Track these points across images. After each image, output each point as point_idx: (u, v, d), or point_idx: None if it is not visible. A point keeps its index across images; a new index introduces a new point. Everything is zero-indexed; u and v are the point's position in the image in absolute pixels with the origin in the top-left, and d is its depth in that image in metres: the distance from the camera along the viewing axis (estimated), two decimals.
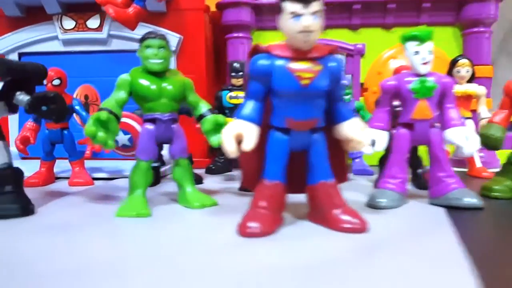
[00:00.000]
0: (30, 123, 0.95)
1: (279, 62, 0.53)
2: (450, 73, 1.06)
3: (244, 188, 0.85)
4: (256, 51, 0.56)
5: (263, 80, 0.54)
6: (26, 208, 0.64)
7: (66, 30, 1.25)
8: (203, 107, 0.73)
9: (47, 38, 1.27)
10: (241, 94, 1.03)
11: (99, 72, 1.26)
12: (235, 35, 1.30)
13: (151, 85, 0.68)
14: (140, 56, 0.69)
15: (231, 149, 0.52)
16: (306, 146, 0.57)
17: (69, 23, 1.25)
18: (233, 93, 1.07)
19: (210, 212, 0.66)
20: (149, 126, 0.69)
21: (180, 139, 0.71)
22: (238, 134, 0.53)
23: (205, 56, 1.25)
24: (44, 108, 0.65)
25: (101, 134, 0.62)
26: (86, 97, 1.26)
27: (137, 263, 0.43)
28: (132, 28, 1.03)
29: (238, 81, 1.08)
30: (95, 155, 1.06)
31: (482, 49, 1.24)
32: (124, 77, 0.69)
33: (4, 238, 0.53)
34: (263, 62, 0.54)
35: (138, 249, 0.48)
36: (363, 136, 0.57)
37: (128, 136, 0.91)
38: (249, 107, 0.55)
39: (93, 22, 1.24)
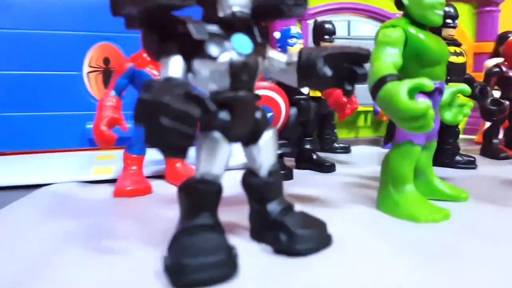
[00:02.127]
0: (111, 98, 0.61)
1: None
2: (497, 49, 1.12)
3: None
4: None
5: None
6: (326, 234, 0.40)
7: None
8: None
9: None
10: (459, 50, 0.79)
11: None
12: None
13: (435, 44, 0.50)
14: (415, 3, 0.50)
15: None
16: None
17: None
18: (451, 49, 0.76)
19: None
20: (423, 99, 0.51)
21: (438, 116, 0.56)
22: None
23: None
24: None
25: (432, 111, 0.43)
26: (106, 61, 0.89)
27: None
28: None
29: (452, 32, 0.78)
30: None
31: (494, 26, 1.35)
32: (397, 32, 0.49)
33: None
34: None
35: None
36: None
37: (269, 114, 0.68)
38: None
39: None
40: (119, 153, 0.82)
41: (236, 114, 0.36)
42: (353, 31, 1.23)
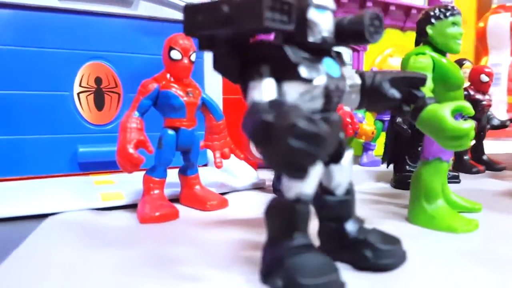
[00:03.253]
0: (135, 119, 0.58)
1: None
2: None
3: None
4: None
5: None
6: (402, 249, 0.42)
7: None
8: None
9: None
10: None
11: (117, 44, 0.86)
12: None
13: (456, 70, 0.56)
14: (438, 33, 0.56)
15: None
16: None
17: None
18: None
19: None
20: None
21: None
22: None
23: None
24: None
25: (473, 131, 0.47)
26: (98, 80, 0.85)
27: None
28: None
29: None
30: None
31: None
32: (426, 58, 0.55)
33: None
34: None
35: None
36: None
37: None
38: None
39: None
40: (117, 177, 0.79)
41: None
42: None
